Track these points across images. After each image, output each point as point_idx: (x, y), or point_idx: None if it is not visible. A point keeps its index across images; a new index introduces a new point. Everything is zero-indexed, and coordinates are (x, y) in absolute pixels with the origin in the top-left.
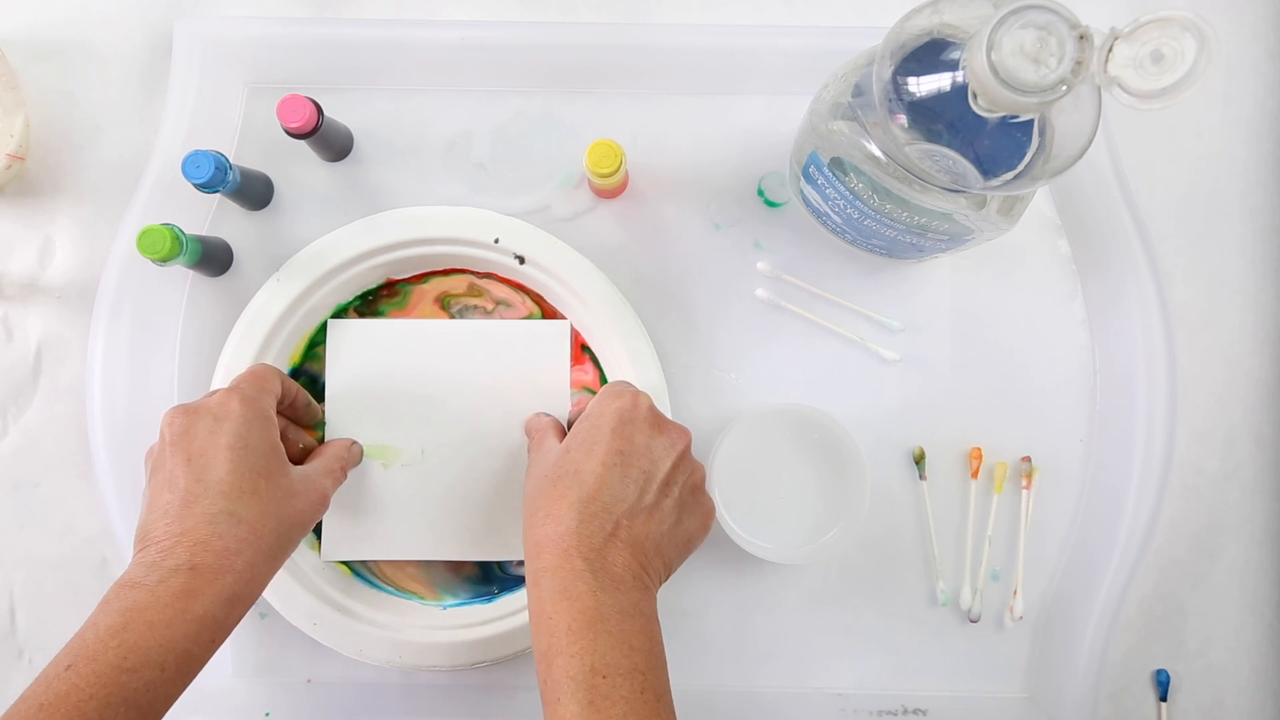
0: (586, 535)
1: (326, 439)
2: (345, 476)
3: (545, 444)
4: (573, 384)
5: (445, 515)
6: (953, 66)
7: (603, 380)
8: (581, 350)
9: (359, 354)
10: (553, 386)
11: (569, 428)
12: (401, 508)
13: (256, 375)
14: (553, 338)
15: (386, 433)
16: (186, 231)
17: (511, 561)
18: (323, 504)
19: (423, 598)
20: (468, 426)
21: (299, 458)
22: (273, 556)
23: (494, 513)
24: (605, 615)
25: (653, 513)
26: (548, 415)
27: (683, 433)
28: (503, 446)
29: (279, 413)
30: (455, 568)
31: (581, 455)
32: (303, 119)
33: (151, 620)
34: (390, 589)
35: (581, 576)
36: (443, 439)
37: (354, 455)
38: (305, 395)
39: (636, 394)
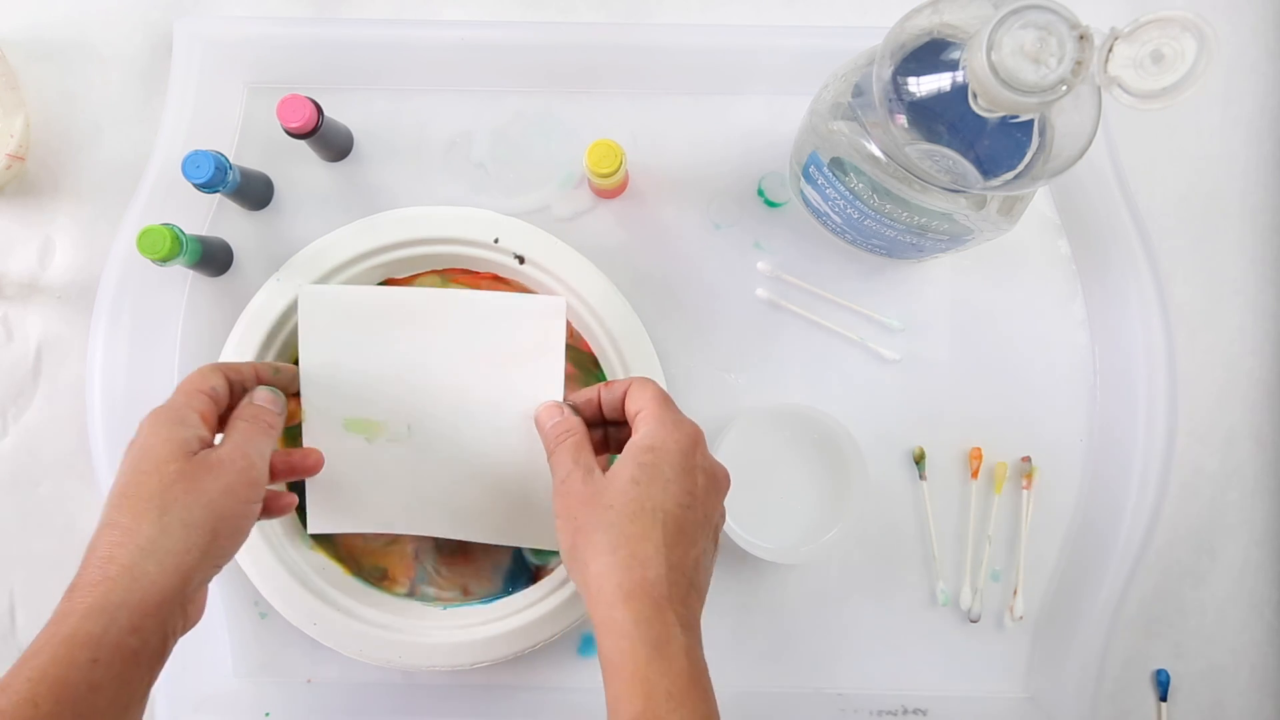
0: (675, 583)
1: (304, 418)
2: (271, 428)
3: (580, 457)
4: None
5: (434, 492)
6: (953, 66)
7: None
8: None
9: (336, 325)
10: (546, 367)
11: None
12: (388, 483)
13: (183, 382)
14: (546, 315)
15: (369, 408)
16: (186, 231)
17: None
18: (234, 467)
19: (423, 598)
20: (456, 403)
21: None
22: (162, 553)
23: (485, 492)
24: (698, 675)
25: (709, 558)
26: (567, 410)
27: (726, 475)
28: (493, 425)
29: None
30: (459, 572)
31: (658, 491)
32: (303, 119)
33: (26, 656)
34: (390, 592)
35: (674, 631)
36: (430, 415)
37: (263, 410)
38: (269, 366)
39: (694, 426)
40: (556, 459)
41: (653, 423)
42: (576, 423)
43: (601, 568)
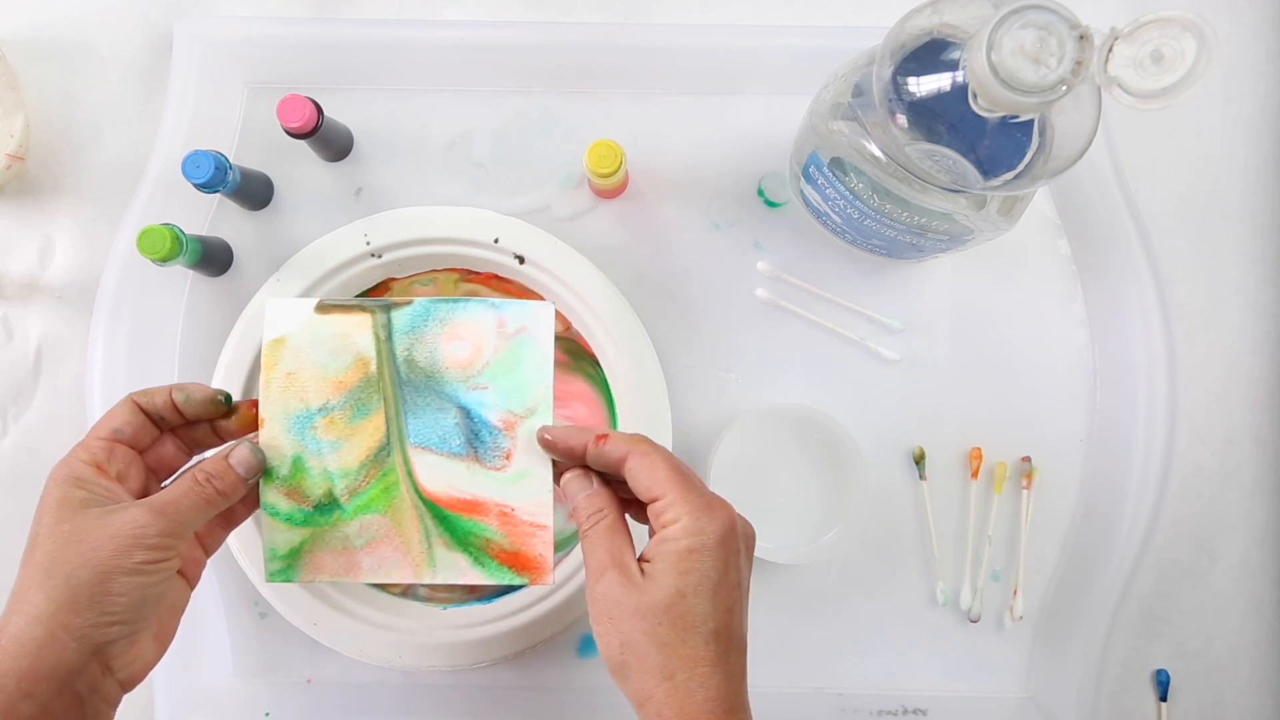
0: (734, 691)
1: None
2: (220, 496)
3: (615, 550)
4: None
5: None
6: (953, 66)
7: (610, 409)
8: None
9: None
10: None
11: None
12: None
13: (95, 424)
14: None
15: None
16: (186, 231)
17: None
18: (130, 527)
19: (424, 599)
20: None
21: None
22: (46, 616)
23: None
24: None
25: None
26: (596, 482)
27: (753, 534)
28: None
29: (182, 427)
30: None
31: (705, 602)
32: (303, 119)
33: None
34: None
35: None
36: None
37: (224, 473)
38: (181, 392)
39: (726, 507)
40: (589, 546)
41: (685, 517)
42: (606, 498)
43: (657, 693)
